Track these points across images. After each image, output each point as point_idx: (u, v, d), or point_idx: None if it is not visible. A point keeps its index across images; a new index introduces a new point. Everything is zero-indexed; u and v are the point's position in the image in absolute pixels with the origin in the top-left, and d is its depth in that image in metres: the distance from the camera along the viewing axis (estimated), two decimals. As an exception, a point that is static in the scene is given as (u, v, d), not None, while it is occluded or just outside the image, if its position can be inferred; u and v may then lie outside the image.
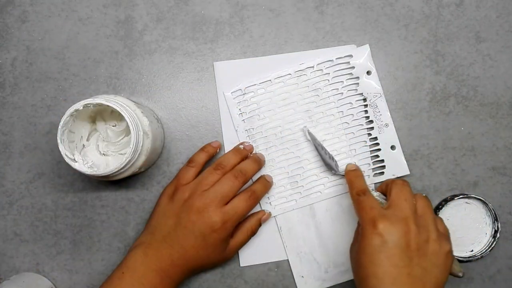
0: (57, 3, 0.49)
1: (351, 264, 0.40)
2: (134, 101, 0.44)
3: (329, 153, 0.48)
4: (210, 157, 0.47)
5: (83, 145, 0.45)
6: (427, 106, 0.50)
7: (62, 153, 0.40)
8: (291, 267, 0.49)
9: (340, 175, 0.48)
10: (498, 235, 0.48)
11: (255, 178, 0.48)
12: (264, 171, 0.49)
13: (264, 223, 0.48)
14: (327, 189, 0.49)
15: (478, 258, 0.48)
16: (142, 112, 0.42)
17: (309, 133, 0.48)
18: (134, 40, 0.49)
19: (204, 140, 0.49)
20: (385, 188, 0.42)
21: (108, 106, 0.40)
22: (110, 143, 0.46)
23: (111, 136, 0.46)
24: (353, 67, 0.49)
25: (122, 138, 0.46)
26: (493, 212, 0.48)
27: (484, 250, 0.48)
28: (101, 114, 0.46)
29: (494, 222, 0.48)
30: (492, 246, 0.48)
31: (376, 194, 0.43)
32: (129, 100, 0.43)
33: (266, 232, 0.49)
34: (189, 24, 0.50)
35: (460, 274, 0.40)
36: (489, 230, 0.49)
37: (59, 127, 0.40)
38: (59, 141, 0.40)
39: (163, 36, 0.49)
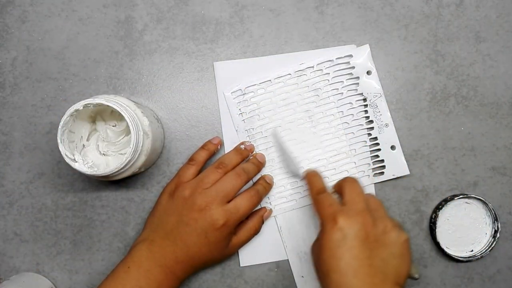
0: (57, 3, 0.49)
1: (313, 263, 0.40)
2: (134, 101, 0.44)
3: (293, 159, 0.48)
4: (211, 154, 0.47)
5: (83, 145, 0.45)
6: (427, 106, 0.50)
7: (62, 153, 0.40)
8: (291, 267, 0.49)
9: (302, 178, 0.48)
10: (498, 235, 0.48)
11: (255, 179, 0.48)
12: (264, 171, 0.49)
13: (264, 223, 0.48)
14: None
15: (478, 258, 0.48)
16: (142, 112, 0.42)
17: (275, 136, 0.48)
18: (134, 40, 0.49)
19: (204, 140, 0.49)
20: (338, 189, 0.42)
21: (108, 106, 0.40)
22: (110, 143, 0.46)
23: (111, 136, 0.46)
24: (353, 67, 0.49)
25: (122, 138, 0.46)
26: (493, 212, 0.48)
27: (484, 250, 0.48)
28: (101, 114, 0.46)
29: (494, 222, 0.48)
30: (492, 246, 0.48)
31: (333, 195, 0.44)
32: (129, 100, 0.43)
33: (266, 232, 0.49)
34: (189, 24, 0.50)
35: (416, 276, 0.40)
36: (489, 230, 0.49)
37: (59, 127, 0.40)
38: (59, 141, 0.40)
39: (163, 36, 0.49)
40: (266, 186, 0.47)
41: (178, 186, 0.44)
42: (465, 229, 0.49)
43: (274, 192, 0.49)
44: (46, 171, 0.49)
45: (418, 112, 0.50)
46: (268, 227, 0.49)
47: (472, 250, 0.49)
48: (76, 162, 0.41)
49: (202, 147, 0.47)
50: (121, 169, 0.40)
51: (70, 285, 0.49)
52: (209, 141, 0.47)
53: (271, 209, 0.49)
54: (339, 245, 0.36)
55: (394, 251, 0.37)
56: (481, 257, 0.48)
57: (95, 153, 0.46)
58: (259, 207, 0.49)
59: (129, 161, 0.40)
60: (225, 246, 0.44)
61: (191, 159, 0.46)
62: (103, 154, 0.46)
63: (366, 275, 0.35)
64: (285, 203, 0.49)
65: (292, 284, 0.49)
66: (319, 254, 0.38)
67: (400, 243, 0.38)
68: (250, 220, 0.46)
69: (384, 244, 0.37)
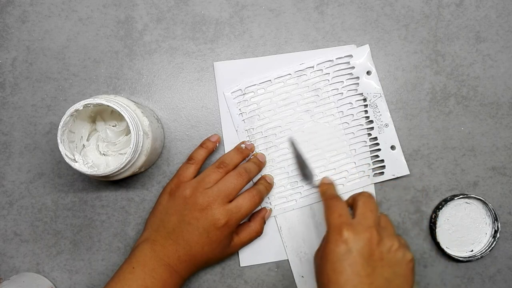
0: (57, 3, 0.50)
1: (314, 270, 0.40)
2: (134, 101, 0.44)
3: (309, 166, 0.48)
4: (210, 152, 0.47)
5: (83, 145, 0.45)
6: (427, 106, 0.50)
7: (62, 153, 0.40)
8: (291, 267, 0.49)
9: (315, 187, 0.48)
10: (498, 235, 0.48)
11: (255, 179, 0.48)
12: (264, 171, 0.49)
13: (265, 224, 0.48)
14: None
15: (478, 258, 0.48)
16: (142, 112, 0.42)
17: (292, 142, 0.48)
18: (134, 40, 0.49)
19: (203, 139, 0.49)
20: (351, 201, 0.42)
21: (108, 106, 0.40)
22: (110, 143, 0.46)
23: (111, 136, 0.46)
24: (353, 67, 0.49)
25: (122, 138, 0.46)
26: (493, 212, 0.48)
27: (484, 250, 0.48)
28: (101, 114, 0.46)
29: (494, 222, 0.48)
30: (492, 246, 0.48)
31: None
32: (129, 100, 0.43)
33: (266, 232, 0.49)
34: (189, 24, 0.50)
35: None
36: (489, 230, 0.49)
37: (59, 127, 0.40)
38: (59, 141, 0.40)
39: (163, 36, 0.49)
40: (267, 186, 0.47)
41: (178, 186, 0.44)
42: (465, 229, 0.49)
43: (274, 192, 0.49)
44: (46, 171, 0.49)
45: (418, 112, 0.50)
46: (268, 227, 0.49)
47: (472, 250, 0.49)
48: (76, 162, 0.41)
49: (201, 146, 0.47)
50: (121, 169, 0.40)
51: (70, 285, 0.49)
52: (208, 139, 0.47)
53: (271, 209, 0.49)
54: (342, 259, 0.36)
55: (398, 271, 0.37)
56: (481, 257, 0.48)
57: (95, 153, 0.46)
58: (259, 207, 0.49)
59: (129, 161, 0.40)
60: (226, 245, 0.44)
61: (190, 158, 0.46)
62: (103, 154, 0.46)
63: None
64: (285, 203, 0.49)
65: (292, 284, 0.49)
66: (321, 263, 0.37)
67: (405, 263, 0.37)
68: (252, 222, 0.46)
69: (388, 263, 0.37)
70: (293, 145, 0.48)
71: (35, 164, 0.49)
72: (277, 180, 0.49)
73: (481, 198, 0.48)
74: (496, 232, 0.48)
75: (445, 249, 0.48)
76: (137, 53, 0.49)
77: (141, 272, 0.41)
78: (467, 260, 0.48)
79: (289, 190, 0.49)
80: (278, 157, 0.49)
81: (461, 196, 0.48)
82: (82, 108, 0.40)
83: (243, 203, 0.43)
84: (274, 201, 0.49)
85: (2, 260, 0.49)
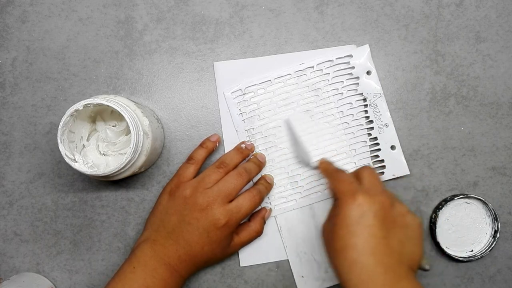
0: (57, 3, 0.50)
1: (323, 241, 0.40)
2: (134, 101, 0.44)
3: (305, 149, 0.47)
4: (209, 152, 0.47)
5: (83, 145, 0.45)
6: (427, 106, 0.50)
7: (62, 153, 0.40)
8: (291, 267, 0.49)
9: (312, 168, 0.48)
10: (498, 235, 0.48)
11: (255, 179, 0.48)
12: (264, 171, 0.49)
13: (265, 224, 0.48)
14: (327, 189, 0.49)
15: (478, 258, 0.48)
16: (142, 112, 0.42)
17: (288, 124, 0.47)
18: (134, 40, 0.49)
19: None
20: (354, 175, 0.42)
21: (108, 106, 0.40)
22: (110, 143, 0.46)
23: (111, 136, 0.46)
24: (353, 67, 0.49)
25: (122, 138, 0.46)
26: (493, 212, 0.48)
27: (484, 250, 0.48)
28: (101, 114, 0.46)
29: (494, 222, 0.48)
30: (492, 246, 0.48)
31: None
32: (129, 100, 0.43)
33: (266, 232, 0.49)
34: (189, 24, 0.50)
35: (427, 267, 0.40)
36: (489, 230, 0.49)
37: (59, 127, 0.40)
38: (59, 141, 0.40)
39: (163, 36, 0.49)
40: (267, 186, 0.47)
41: (178, 186, 0.44)
42: (465, 229, 0.49)
43: (274, 192, 0.49)
44: (46, 171, 0.49)
45: (418, 112, 0.50)
46: (268, 227, 0.49)
47: (472, 250, 0.49)
48: (76, 162, 0.41)
49: (201, 145, 0.47)
50: (121, 169, 0.40)
51: (70, 285, 0.49)
52: (207, 139, 0.47)
53: (271, 208, 0.49)
54: (358, 222, 0.36)
55: (410, 234, 0.37)
56: (481, 257, 0.48)
57: (95, 153, 0.46)
58: (259, 207, 0.49)
59: (129, 161, 0.40)
60: (227, 245, 0.44)
61: (190, 158, 0.46)
62: (103, 154, 0.46)
63: (383, 255, 0.35)
64: (285, 203, 0.49)
65: (292, 284, 0.49)
66: (333, 230, 0.37)
67: (415, 226, 0.38)
68: (252, 222, 0.46)
69: (400, 226, 0.37)
70: (289, 127, 0.47)
71: (35, 164, 0.49)
72: (277, 180, 0.49)
73: (481, 198, 0.48)
74: (496, 232, 0.48)
75: (445, 249, 0.48)
76: (137, 53, 0.49)
77: (142, 272, 0.41)
78: (467, 260, 0.48)
79: (289, 190, 0.49)
80: (278, 157, 0.49)
81: (461, 196, 0.48)
82: (82, 108, 0.40)
83: (243, 203, 0.43)
84: (274, 201, 0.49)
85: (2, 260, 0.49)
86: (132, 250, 0.43)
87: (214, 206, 0.42)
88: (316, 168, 0.47)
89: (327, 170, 0.43)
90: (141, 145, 0.41)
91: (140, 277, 0.40)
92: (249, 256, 0.49)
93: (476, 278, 0.49)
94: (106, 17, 0.49)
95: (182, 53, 0.50)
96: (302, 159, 0.48)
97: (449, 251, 0.48)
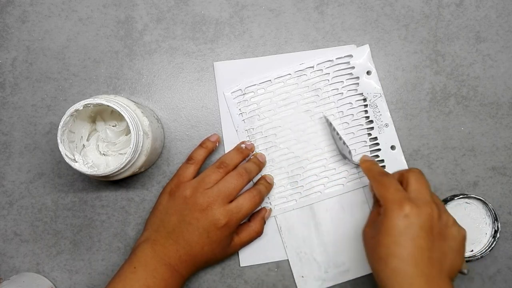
0: (57, 3, 0.49)
1: (365, 245, 0.40)
2: (134, 101, 0.44)
3: (344, 141, 0.48)
4: (209, 152, 0.47)
5: (83, 145, 0.45)
6: (427, 106, 0.50)
7: (62, 153, 0.40)
8: (291, 267, 0.49)
9: (355, 164, 0.48)
10: (498, 235, 0.48)
11: (255, 179, 0.48)
12: (264, 171, 0.49)
13: (265, 224, 0.48)
14: (327, 189, 0.49)
15: (478, 258, 0.48)
16: (142, 112, 0.42)
17: (327, 119, 0.48)
18: (134, 40, 0.49)
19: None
20: (399, 178, 0.42)
21: (108, 106, 0.40)
22: (110, 143, 0.46)
23: (111, 136, 0.46)
24: (353, 67, 0.49)
25: (122, 138, 0.46)
26: (493, 212, 0.48)
27: (484, 250, 0.48)
28: (101, 114, 0.46)
29: (494, 222, 0.48)
30: (492, 246, 0.48)
31: None
32: (129, 100, 0.43)
33: (266, 232, 0.49)
34: (189, 24, 0.50)
35: (465, 271, 0.41)
36: (489, 230, 0.49)
37: (59, 127, 0.40)
38: (59, 141, 0.40)
39: (163, 36, 0.49)
40: (268, 186, 0.47)
41: (178, 186, 0.44)
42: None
43: (274, 192, 0.49)
44: (46, 171, 0.49)
45: (418, 112, 0.50)
46: (268, 227, 0.49)
47: (472, 250, 0.49)
48: (76, 162, 0.41)
49: (201, 145, 0.47)
50: (121, 169, 0.40)
51: (70, 285, 0.49)
52: (207, 139, 0.47)
53: (271, 208, 0.49)
54: (404, 233, 0.36)
55: (453, 246, 0.38)
56: (481, 257, 0.48)
57: (95, 153, 0.46)
58: (259, 207, 0.49)
59: (129, 161, 0.40)
60: (227, 245, 0.44)
61: (189, 158, 0.46)
62: (103, 154, 0.46)
63: (425, 266, 0.35)
64: (285, 203, 0.49)
65: (292, 284, 0.49)
66: (378, 237, 0.37)
67: (460, 238, 0.39)
68: (252, 222, 0.46)
69: (445, 238, 0.38)
70: (329, 123, 0.47)
71: (35, 164, 0.49)
72: (277, 180, 0.49)
73: (481, 198, 0.48)
74: (496, 232, 0.48)
75: (445, 249, 0.48)
76: (137, 53, 0.49)
77: (143, 272, 0.41)
78: (467, 260, 0.48)
79: (289, 190, 0.49)
80: (278, 157, 0.49)
81: (461, 196, 0.48)
82: (82, 108, 0.40)
83: (244, 203, 0.43)
84: (274, 201, 0.49)
85: (2, 260, 0.49)
86: (132, 250, 0.43)
87: (214, 207, 0.42)
88: (357, 165, 0.47)
89: (371, 171, 0.43)
90: (141, 145, 0.41)
91: (141, 277, 0.40)
92: (249, 256, 0.49)
93: (476, 278, 0.49)
94: (106, 17, 0.49)
95: (182, 53, 0.50)
96: (344, 155, 0.48)
97: (449, 251, 0.48)
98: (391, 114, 0.49)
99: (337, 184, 0.49)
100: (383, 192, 0.39)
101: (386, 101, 0.49)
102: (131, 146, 0.40)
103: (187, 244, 0.42)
